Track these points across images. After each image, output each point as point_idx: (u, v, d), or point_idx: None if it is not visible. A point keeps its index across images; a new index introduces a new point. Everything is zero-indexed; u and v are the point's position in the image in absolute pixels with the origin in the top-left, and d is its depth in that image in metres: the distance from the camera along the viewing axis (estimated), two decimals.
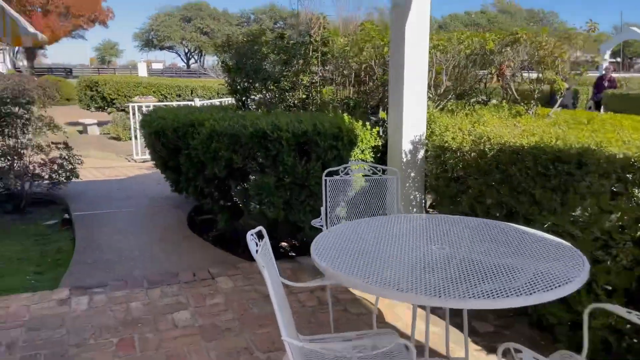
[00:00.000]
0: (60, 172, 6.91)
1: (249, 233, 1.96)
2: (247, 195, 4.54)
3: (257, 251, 1.92)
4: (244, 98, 6.30)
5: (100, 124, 14.70)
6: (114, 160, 10.64)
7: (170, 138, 5.10)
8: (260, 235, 2.06)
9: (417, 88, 4.15)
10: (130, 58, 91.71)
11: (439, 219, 2.72)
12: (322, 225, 3.29)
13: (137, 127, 10.52)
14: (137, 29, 75.80)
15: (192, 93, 13.96)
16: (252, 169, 4.41)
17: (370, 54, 5.14)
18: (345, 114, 4.54)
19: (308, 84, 6.07)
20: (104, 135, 13.62)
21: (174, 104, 10.88)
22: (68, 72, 57.40)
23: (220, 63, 5.87)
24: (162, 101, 13.96)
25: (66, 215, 6.05)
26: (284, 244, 5.51)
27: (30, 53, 53.88)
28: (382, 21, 6.68)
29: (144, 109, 10.78)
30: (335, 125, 4.22)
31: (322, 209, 3.35)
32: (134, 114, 10.70)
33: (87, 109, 15.00)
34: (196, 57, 76.99)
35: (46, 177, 6.90)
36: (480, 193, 3.37)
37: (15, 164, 6.66)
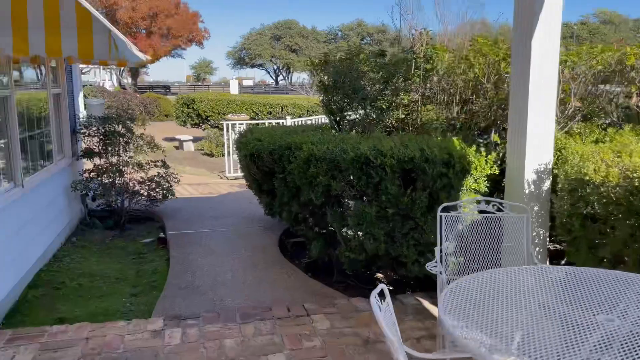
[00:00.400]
0: (157, 190, 7.04)
1: (372, 295, 1.62)
2: (344, 224, 4.23)
3: (380, 308, 1.59)
4: (338, 118, 6.05)
5: (195, 139, 15.22)
6: (207, 177, 10.85)
7: (265, 161, 4.93)
8: (381, 294, 1.72)
9: (544, 109, 3.62)
10: (223, 75, 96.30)
11: (597, 275, 2.21)
12: (438, 271, 2.87)
13: (230, 144, 10.68)
14: (230, 47, 79.44)
15: (282, 110, 14.06)
16: (351, 197, 4.09)
17: (482, 70, 4.66)
18: (455, 138, 4.09)
19: (408, 103, 5.69)
20: (198, 151, 14.05)
21: (266, 122, 10.92)
22: (167, 89, 61.33)
23: (317, 82, 5.66)
24: (254, 119, 14.16)
25: (162, 234, 6.10)
26: (379, 275, 5.13)
27: (134, 72, 58.22)
28: (486, 32, 6.15)
29: (237, 127, 10.93)
30: (445, 150, 3.80)
31: (437, 250, 2.93)
32: (227, 130, 10.86)
33: (184, 126, 15.63)
34: (284, 73, 79.25)
35: (145, 194, 7.06)
36: (632, 238, 2.78)
37: (116, 181, 6.87)
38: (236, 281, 4.70)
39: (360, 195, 4.01)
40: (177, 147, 14.89)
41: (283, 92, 64.42)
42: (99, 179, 6.72)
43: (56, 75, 6.22)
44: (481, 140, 5.05)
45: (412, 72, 5.32)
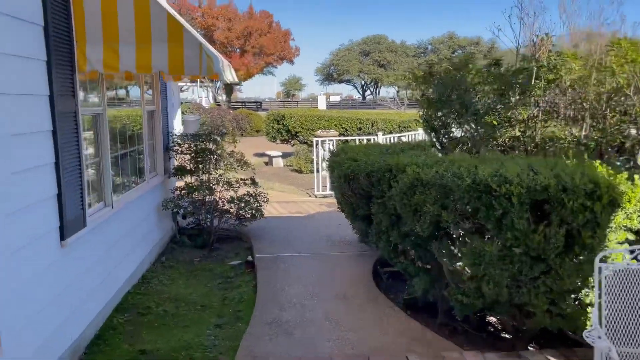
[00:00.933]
0: (246, 209, 6.80)
1: None
2: (456, 262, 3.60)
3: None
4: (440, 136, 5.43)
5: (284, 155, 15.15)
6: (295, 194, 10.58)
7: (362, 184, 4.44)
8: None
9: None
10: (311, 91, 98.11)
11: None
12: (597, 335, 2.18)
13: (320, 161, 10.34)
14: (319, 64, 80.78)
15: (372, 126, 13.56)
16: (466, 230, 3.46)
17: (627, 79, 3.85)
18: (598, 162, 3.33)
19: (525, 119, 4.94)
20: (287, 168, 13.92)
21: (357, 139, 10.47)
22: (258, 105, 63.41)
23: (419, 96, 5.09)
24: (344, 135, 13.78)
25: (249, 257, 5.80)
26: (492, 319, 4.41)
27: (229, 89, 60.87)
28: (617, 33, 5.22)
29: (327, 144, 10.59)
30: (588, 177, 3.06)
31: (594, 311, 2.25)
32: (316, 147, 10.55)
33: (273, 141, 15.64)
34: (371, 88, 79.00)
35: (234, 213, 6.84)
36: None
37: (207, 199, 6.72)
38: (327, 319, 4.22)
39: (478, 229, 3.37)
40: (266, 163, 14.90)
41: (370, 107, 64.13)
42: (190, 196, 6.60)
43: (152, 92, 6.20)
44: (619, 163, 4.21)
45: (533, 82, 4.59)
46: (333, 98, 77.40)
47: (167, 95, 6.76)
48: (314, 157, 12.75)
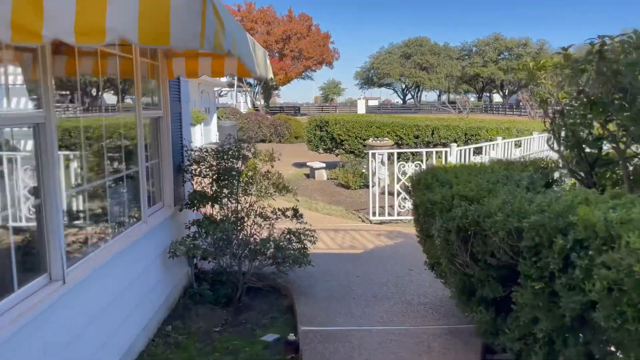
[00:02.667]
0: (287, 252, 4.95)
1: None
2: None
3: None
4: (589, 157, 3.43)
5: (328, 166, 13.33)
6: (344, 218, 8.68)
7: (495, 248, 2.49)
8: None
9: None
10: (349, 96, 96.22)
11: None
12: None
13: (376, 176, 8.42)
14: (359, 67, 78.88)
15: (433, 134, 11.52)
16: None
17: None
18: None
19: None
20: (332, 181, 12.07)
21: (422, 151, 8.48)
22: (296, 110, 61.94)
23: (578, 93, 3.11)
24: (399, 144, 11.80)
25: (291, 335, 3.93)
26: None
27: (267, 94, 59.75)
28: None
29: (378, 156, 8.65)
30: None
31: None
32: (371, 160, 8.62)
33: (315, 150, 13.82)
34: (412, 92, 76.39)
35: (269, 255, 5.01)
36: None
37: (233, 237, 4.93)
38: None
39: None
40: (307, 175, 13.07)
41: (411, 111, 61.62)
42: (210, 233, 4.80)
43: (158, 93, 4.45)
44: None
45: None
46: (371, 102, 75.26)
47: (182, 97, 5.00)
48: (365, 171, 10.82)
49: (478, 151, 8.47)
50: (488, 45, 67.55)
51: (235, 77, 53.47)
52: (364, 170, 10.88)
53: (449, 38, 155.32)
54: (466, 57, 70.68)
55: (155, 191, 4.49)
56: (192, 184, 5.06)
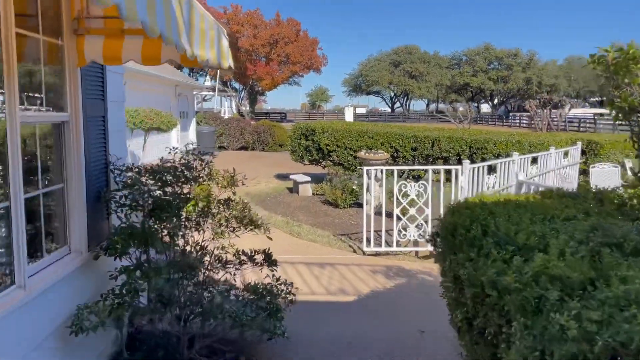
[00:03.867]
0: (257, 307, 3.53)
1: None
2: None
3: None
4: None
5: (314, 179, 11.94)
6: (331, 246, 7.25)
7: None
8: None
9: None
10: (336, 103, 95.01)
11: None
12: None
13: (370, 197, 7.03)
14: (347, 74, 77.64)
15: (433, 146, 10.19)
16: None
17: None
18: None
19: None
20: (318, 197, 10.67)
21: (428, 168, 7.10)
22: (282, 116, 60.54)
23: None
24: (394, 157, 10.45)
25: None
26: None
27: (253, 99, 58.25)
28: None
29: (373, 172, 7.26)
30: None
31: None
32: (367, 176, 7.21)
33: (300, 162, 12.41)
34: (401, 100, 75.38)
35: (231, 314, 3.58)
36: None
37: (179, 291, 3.49)
38: None
39: None
40: (290, 190, 11.64)
41: (399, 120, 60.54)
42: (143, 287, 3.35)
43: (62, 86, 3.01)
44: None
45: None
46: (359, 110, 74.06)
47: (110, 94, 3.56)
48: (356, 187, 9.44)
49: (492, 168, 7.14)
50: (478, 55, 66.94)
51: (217, 81, 51.94)
52: (354, 187, 9.49)
53: (439, 47, 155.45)
54: (456, 66, 70.01)
55: (57, 232, 3.04)
56: (122, 218, 3.60)
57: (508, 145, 9.51)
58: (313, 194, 11.10)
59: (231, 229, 3.67)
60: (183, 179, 3.60)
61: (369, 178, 7.19)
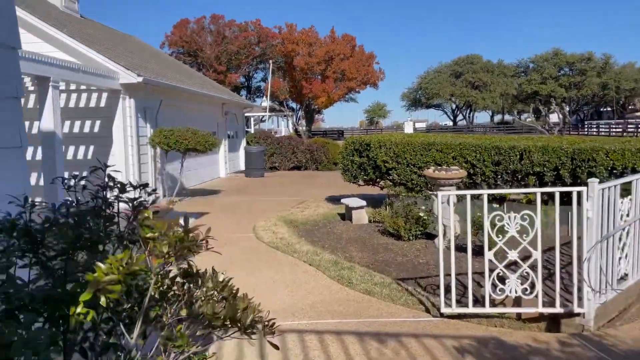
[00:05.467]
0: None
1: None
2: None
3: None
4: None
5: (370, 201, 10.02)
6: (395, 304, 5.22)
7: None
8: None
9: None
10: (394, 119, 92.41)
11: None
12: None
13: (451, 231, 5.03)
14: (406, 88, 75.28)
15: (521, 159, 8.00)
16: None
17: None
18: None
19: None
20: (375, 226, 8.72)
21: (536, 191, 4.99)
22: (340, 134, 59.01)
23: None
24: (471, 174, 8.34)
25: None
26: None
27: (309, 118, 57.21)
28: None
29: (451, 196, 5.24)
30: None
31: None
32: (446, 202, 5.20)
33: (353, 182, 10.54)
34: (464, 112, 71.84)
35: None
36: None
37: None
38: None
39: None
40: (342, 217, 9.76)
41: (462, 133, 57.18)
42: None
43: None
44: None
45: None
46: (418, 125, 71.14)
47: None
48: (424, 214, 7.44)
49: (625, 188, 4.93)
50: (547, 61, 62.65)
51: (268, 100, 51.27)
52: (421, 214, 7.47)
53: (502, 55, 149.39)
54: (522, 74, 65.93)
55: None
56: None
57: (626, 156, 7.17)
58: (370, 221, 9.16)
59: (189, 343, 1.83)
60: (99, 236, 1.82)
61: (445, 203, 5.20)
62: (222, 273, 2.01)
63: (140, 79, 10.64)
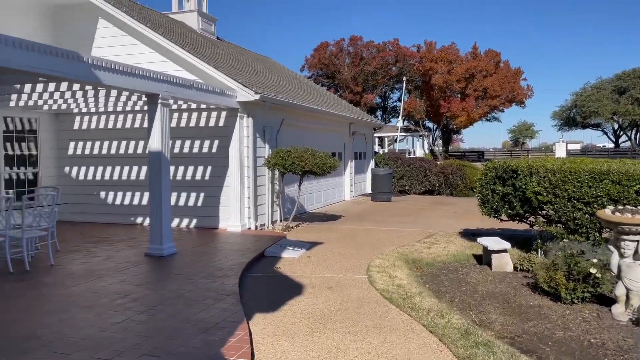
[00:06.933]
0: None
1: None
2: None
3: None
4: None
5: (515, 241, 8.03)
6: None
7: None
8: None
9: None
10: (543, 139, 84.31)
11: None
12: None
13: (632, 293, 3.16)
14: (558, 107, 68.12)
15: None
16: None
17: None
18: None
19: None
20: (522, 277, 6.79)
21: None
22: (480, 155, 55.03)
23: None
24: None
25: None
26: None
27: (446, 138, 54.34)
28: None
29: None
30: None
31: None
32: (631, 257, 3.34)
33: (494, 216, 8.63)
34: (628, 133, 62.57)
35: None
36: None
37: None
38: None
39: None
40: (478, 259, 7.92)
41: (627, 156, 49.45)
42: None
43: None
44: None
45: None
46: (571, 146, 63.52)
47: None
48: (595, 270, 5.43)
49: None
50: None
51: (410, 121, 49.49)
52: (592, 270, 5.42)
53: None
54: None
55: None
56: None
57: None
58: (515, 268, 7.22)
59: None
60: None
61: (629, 257, 3.31)
62: None
63: (257, 97, 9.98)
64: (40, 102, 9.56)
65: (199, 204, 10.93)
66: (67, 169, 11.98)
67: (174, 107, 10.54)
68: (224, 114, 10.65)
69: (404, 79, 38.72)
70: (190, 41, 11.89)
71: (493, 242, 7.42)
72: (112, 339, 4.38)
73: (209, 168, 10.84)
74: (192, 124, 10.94)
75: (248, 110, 10.45)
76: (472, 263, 7.81)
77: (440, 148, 53.52)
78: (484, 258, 7.70)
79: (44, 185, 11.24)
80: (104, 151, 11.71)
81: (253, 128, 10.57)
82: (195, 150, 10.95)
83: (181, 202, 11.03)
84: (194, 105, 10.53)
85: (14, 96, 8.79)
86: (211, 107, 10.42)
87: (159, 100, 7.75)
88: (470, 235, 10.01)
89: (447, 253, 8.47)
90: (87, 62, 6.34)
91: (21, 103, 9.50)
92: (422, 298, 5.89)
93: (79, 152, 11.90)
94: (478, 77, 47.17)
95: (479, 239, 7.79)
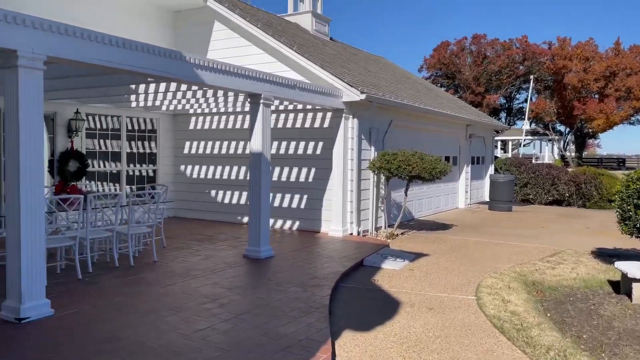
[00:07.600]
0: None
1: None
2: None
3: None
4: None
5: None
6: None
7: None
8: None
9: None
10: None
11: None
12: None
13: None
14: None
15: None
16: None
17: None
18: None
19: None
20: None
21: None
22: (620, 162, 49.02)
23: None
24: None
25: None
26: None
27: (580, 143, 49.31)
28: None
29: None
30: None
31: None
32: None
33: (637, 237, 7.24)
34: None
35: None
36: None
37: None
38: None
39: None
40: (614, 286, 6.66)
41: None
42: None
43: None
44: None
45: None
46: None
47: None
48: None
49: None
50: None
51: (539, 123, 45.66)
52: None
53: None
54: None
55: None
56: None
57: None
58: None
59: None
60: None
61: None
62: None
63: (363, 96, 9.51)
64: (157, 103, 10.02)
65: (302, 206, 10.73)
66: (182, 167, 12.54)
67: (280, 107, 10.46)
68: (329, 114, 10.34)
69: (532, 77, 35.74)
70: (300, 41, 11.78)
71: (635, 268, 6.14)
72: (189, 349, 4.18)
73: (313, 170, 10.60)
74: (298, 124, 10.78)
75: (354, 110, 10.03)
76: (606, 291, 6.57)
77: (573, 153, 48.71)
78: (622, 286, 6.43)
79: (160, 182, 11.86)
80: (215, 151, 12.04)
81: (358, 129, 10.12)
82: (300, 151, 10.78)
83: (285, 204, 10.92)
84: (299, 106, 10.36)
85: (133, 97, 9.27)
86: (316, 107, 10.17)
87: (261, 100, 7.62)
88: (606, 256, 8.57)
89: (576, 276, 7.26)
90: (189, 62, 6.34)
91: (141, 104, 10.04)
92: (542, 331, 4.97)
93: (193, 151, 12.39)
94: (620, 76, 42.18)
95: (617, 263, 6.51)
